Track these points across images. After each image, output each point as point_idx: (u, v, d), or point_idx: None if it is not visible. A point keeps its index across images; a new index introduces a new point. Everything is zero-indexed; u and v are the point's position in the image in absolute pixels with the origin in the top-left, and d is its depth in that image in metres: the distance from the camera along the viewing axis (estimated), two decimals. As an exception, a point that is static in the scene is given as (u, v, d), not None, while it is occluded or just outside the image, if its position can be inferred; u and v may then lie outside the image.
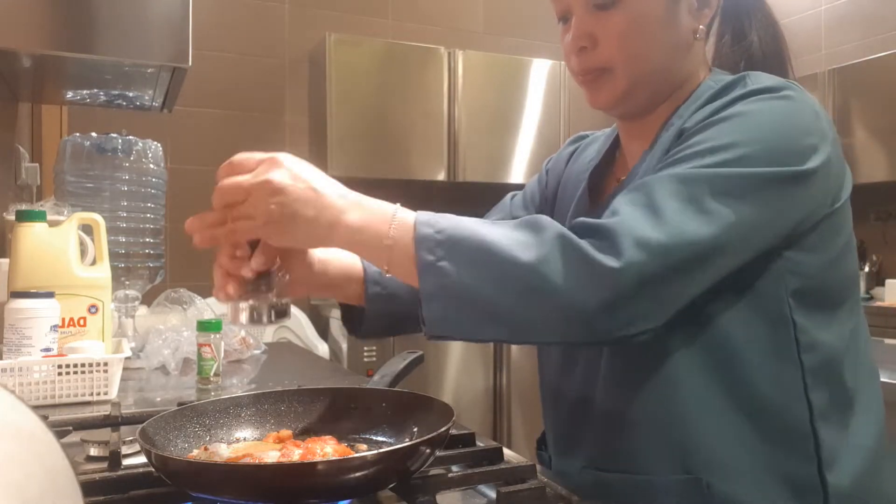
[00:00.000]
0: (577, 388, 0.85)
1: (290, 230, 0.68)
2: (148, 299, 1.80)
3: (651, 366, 0.76)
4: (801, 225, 0.71)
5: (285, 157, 0.69)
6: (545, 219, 0.68)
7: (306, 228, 0.68)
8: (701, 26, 0.80)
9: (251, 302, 0.76)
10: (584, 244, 0.64)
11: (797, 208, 0.70)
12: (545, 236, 0.65)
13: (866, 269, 3.98)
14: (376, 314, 0.92)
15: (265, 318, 0.76)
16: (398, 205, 0.71)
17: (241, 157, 0.71)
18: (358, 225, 0.68)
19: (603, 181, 0.92)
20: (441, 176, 3.57)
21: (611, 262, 0.63)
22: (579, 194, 0.92)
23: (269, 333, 3.20)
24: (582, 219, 0.68)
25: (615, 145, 0.92)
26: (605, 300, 0.63)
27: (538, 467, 0.77)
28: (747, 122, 0.70)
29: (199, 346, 1.38)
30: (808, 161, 0.69)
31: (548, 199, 1.03)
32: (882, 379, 1.54)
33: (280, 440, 0.78)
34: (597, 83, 0.81)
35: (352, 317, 0.96)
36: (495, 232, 0.67)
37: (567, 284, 0.63)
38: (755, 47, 0.84)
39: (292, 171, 0.68)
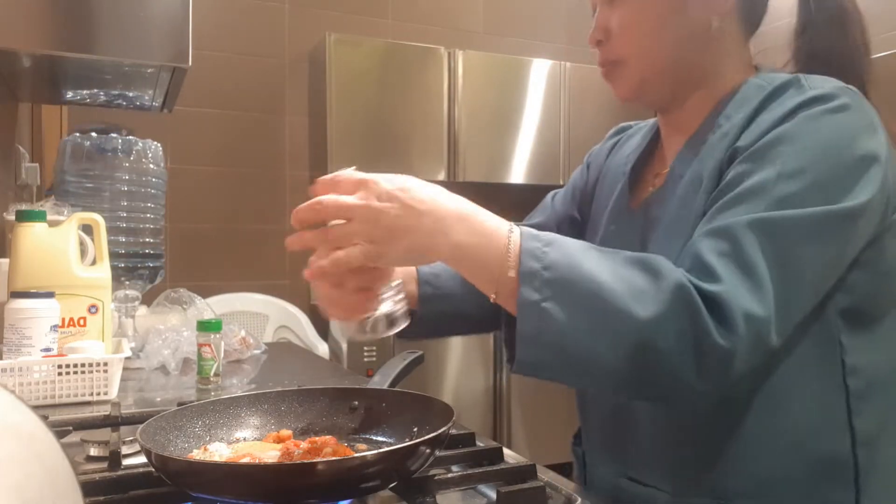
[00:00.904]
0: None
1: (393, 254, 0.65)
2: (148, 299, 1.80)
3: None
4: (857, 250, 0.70)
5: (384, 178, 0.65)
6: (664, 262, 0.63)
7: (409, 252, 0.65)
8: (716, 17, 0.77)
9: (373, 315, 0.74)
10: (703, 311, 0.60)
11: (862, 236, 0.69)
12: (663, 286, 0.61)
13: (866, 269, 3.99)
14: (428, 315, 0.90)
15: (382, 329, 0.74)
16: (512, 225, 0.65)
17: (343, 174, 0.66)
18: (465, 249, 0.64)
19: (643, 175, 0.90)
20: (441, 176, 3.57)
21: (724, 341, 0.60)
22: (619, 189, 0.90)
23: (270, 334, 3.21)
24: (691, 268, 0.64)
25: (656, 138, 0.89)
26: (713, 377, 0.62)
27: (574, 467, 0.74)
28: (811, 143, 0.67)
29: (199, 346, 1.38)
30: (865, 188, 0.66)
31: (588, 193, 1.00)
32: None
33: (280, 440, 0.78)
34: (613, 75, 0.81)
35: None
36: (608, 270, 0.61)
37: (681, 353, 0.60)
38: (815, 44, 0.82)
39: (393, 193, 0.64)
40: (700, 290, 0.61)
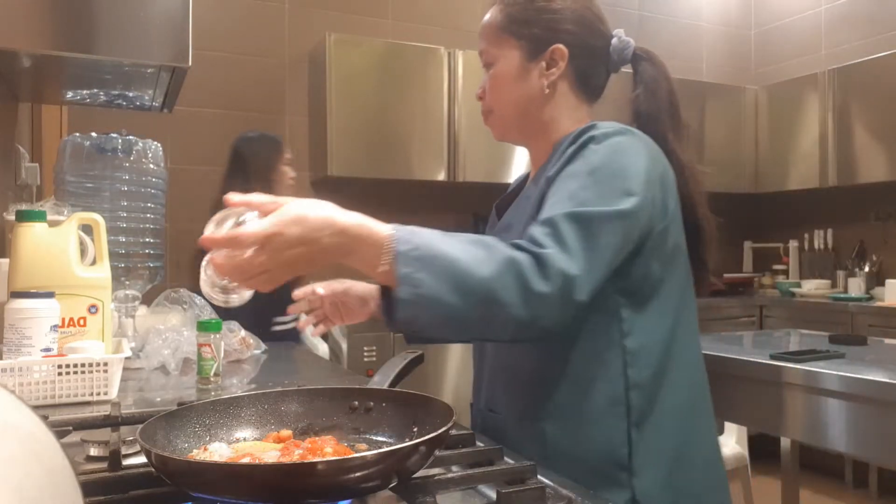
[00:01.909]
0: (481, 349, 1.15)
1: (296, 272, 0.83)
2: (148, 299, 1.80)
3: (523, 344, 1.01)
4: (638, 243, 0.94)
5: (292, 207, 0.82)
6: (494, 240, 0.88)
7: (315, 264, 0.83)
8: (547, 83, 1.05)
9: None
10: (528, 270, 0.84)
11: (638, 231, 0.93)
12: (496, 255, 0.84)
13: (866, 268, 3.98)
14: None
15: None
16: (392, 228, 0.84)
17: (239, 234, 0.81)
18: (353, 254, 0.83)
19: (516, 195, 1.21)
20: (441, 176, 3.57)
21: (546, 287, 0.84)
22: (496, 204, 1.24)
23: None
24: (524, 242, 0.87)
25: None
26: (540, 317, 0.85)
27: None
28: (592, 164, 0.94)
29: (199, 346, 1.38)
30: (640, 193, 0.92)
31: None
32: (882, 379, 1.55)
33: (280, 440, 0.78)
34: (487, 121, 1.12)
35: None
36: (456, 248, 0.84)
37: (512, 300, 0.83)
38: (640, 101, 1.09)
39: (297, 223, 0.80)
40: (530, 252, 0.85)
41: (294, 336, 2.41)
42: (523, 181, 1.21)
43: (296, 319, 2.14)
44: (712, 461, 1.03)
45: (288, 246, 0.79)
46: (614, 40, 1.08)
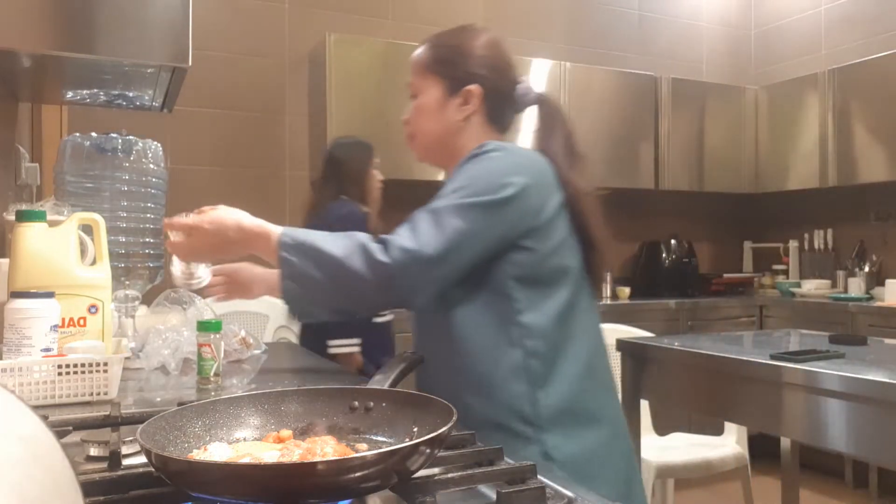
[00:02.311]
0: (414, 341, 1.29)
1: (214, 255, 1.29)
2: (148, 299, 1.80)
3: (431, 326, 1.21)
4: (508, 233, 1.11)
5: (215, 212, 1.20)
6: (357, 233, 1.10)
7: (226, 252, 1.22)
8: (460, 117, 1.24)
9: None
10: (373, 247, 1.06)
11: (499, 222, 1.11)
12: (353, 241, 1.08)
13: (866, 268, 3.98)
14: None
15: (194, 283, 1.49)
16: (284, 229, 1.13)
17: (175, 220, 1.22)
18: (254, 247, 1.16)
19: None
20: (441, 176, 3.56)
21: (385, 258, 1.05)
22: None
23: (270, 334, 3.21)
24: (397, 230, 1.09)
25: None
26: (381, 283, 1.06)
27: None
28: (466, 173, 1.14)
29: (199, 346, 1.38)
30: (500, 193, 1.10)
31: None
32: (882, 379, 1.55)
33: (280, 440, 0.78)
34: (411, 144, 1.30)
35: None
36: (325, 239, 1.09)
37: (359, 268, 1.05)
38: (539, 138, 1.27)
39: (213, 223, 1.18)
40: (380, 238, 1.08)
41: (389, 332, 2.69)
42: None
43: (352, 345, 2.57)
44: (613, 416, 1.21)
45: (204, 235, 1.19)
46: (520, 86, 1.28)
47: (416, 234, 1.06)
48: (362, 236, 1.09)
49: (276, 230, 1.12)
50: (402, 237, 1.07)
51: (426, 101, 1.26)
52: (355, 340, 2.57)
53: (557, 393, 1.13)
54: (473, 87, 1.24)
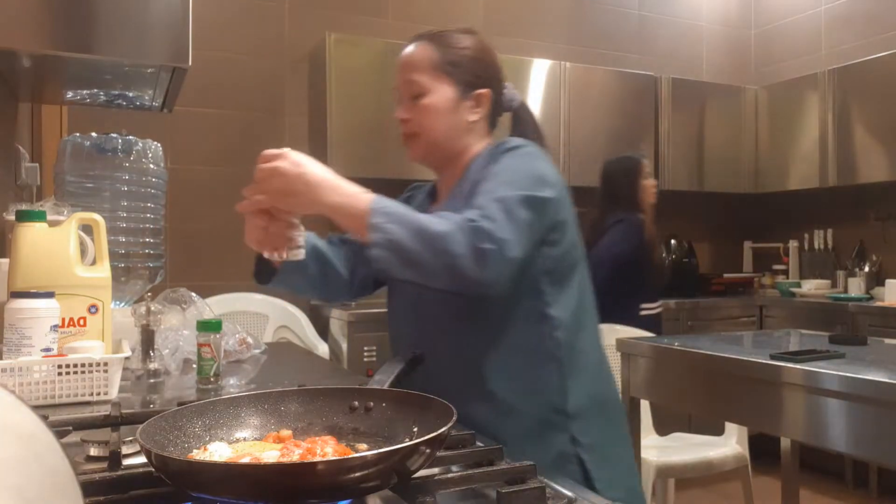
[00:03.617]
0: (414, 334, 1.27)
1: (286, 204, 1.08)
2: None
3: (460, 316, 1.18)
4: (548, 227, 1.15)
5: (290, 152, 1.06)
6: (447, 213, 1.07)
7: (299, 202, 1.06)
8: (472, 118, 1.26)
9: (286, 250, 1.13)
10: (474, 231, 1.02)
11: (548, 216, 1.14)
12: (451, 219, 1.04)
13: (866, 268, 3.98)
14: (291, 272, 1.28)
15: (288, 256, 1.13)
16: (365, 190, 1.06)
17: (267, 151, 1.06)
18: (336, 205, 1.05)
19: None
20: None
21: (490, 245, 1.02)
22: None
23: (270, 334, 3.21)
24: (470, 216, 1.05)
25: (433, 193, 1.39)
26: (486, 269, 1.02)
27: None
28: (510, 166, 1.15)
29: (199, 346, 1.38)
30: (547, 187, 1.13)
31: None
32: (882, 379, 1.55)
33: (280, 440, 0.78)
34: (410, 143, 1.28)
35: (261, 270, 1.29)
36: (419, 214, 1.06)
37: (462, 252, 1.01)
38: (518, 130, 1.35)
39: (293, 161, 1.05)
40: (474, 221, 1.04)
41: (658, 323, 3.05)
42: (424, 203, 1.38)
43: (659, 307, 3.06)
44: (620, 405, 1.30)
45: (281, 179, 1.04)
46: (506, 91, 1.33)
47: (499, 224, 1.04)
48: (454, 215, 1.06)
49: (366, 196, 1.06)
50: (491, 225, 1.04)
51: (437, 100, 1.24)
52: (660, 303, 3.07)
53: (582, 382, 1.18)
54: (485, 92, 1.27)
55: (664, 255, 3.27)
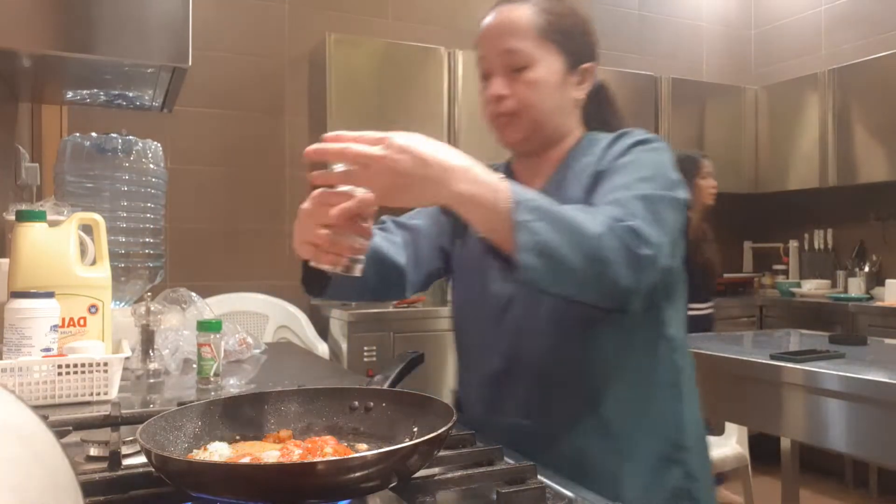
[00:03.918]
0: (508, 344, 1.07)
1: (403, 199, 0.81)
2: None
3: (570, 331, 1.02)
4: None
5: (398, 135, 0.79)
6: (594, 207, 0.91)
7: (417, 197, 0.82)
8: (578, 96, 1.09)
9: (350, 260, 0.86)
10: (629, 234, 0.85)
11: (682, 221, 0.98)
12: (600, 217, 0.86)
13: (866, 268, 3.98)
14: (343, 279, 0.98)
15: (354, 271, 0.86)
16: (501, 175, 0.84)
17: (360, 134, 0.81)
18: (468, 195, 0.80)
19: None
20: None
21: (647, 250, 0.85)
22: None
23: (270, 334, 3.21)
24: (615, 214, 0.88)
25: (511, 176, 1.10)
26: (641, 277, 0.85)
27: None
28: (646, 162, 0.99)
29: (199, 346, 1.38)
30: (681, 189, 0.98)
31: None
32: (882, 379, 1.55)
33: (280, 440, 0.78)
34: (509, 125, 1.07)
35: (313, 280, 1.03)
36: (566, 206, 0.86)
37: (617, 260, 0.83)
38: (599, 114, 1.16)
39: (405, 147, 0.78)
40: (623, 220, 0.87)
41: (708, 325, 3.00)
42: None
43: (710, 308, 2.97)
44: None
45: (400, 152, 0.78)
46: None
47: (651, 226, 0.88)
48: (602, 209, 0.89)
49: (504, 184, 0.83)
50: (642, 226, 0.87)
51: (545, 74, 1.04)
52: (711, 304, 2.99)
53: (693, 409, 1.07)
54: (591, 66, 1.10)
55: (716, 255, 3.14)
